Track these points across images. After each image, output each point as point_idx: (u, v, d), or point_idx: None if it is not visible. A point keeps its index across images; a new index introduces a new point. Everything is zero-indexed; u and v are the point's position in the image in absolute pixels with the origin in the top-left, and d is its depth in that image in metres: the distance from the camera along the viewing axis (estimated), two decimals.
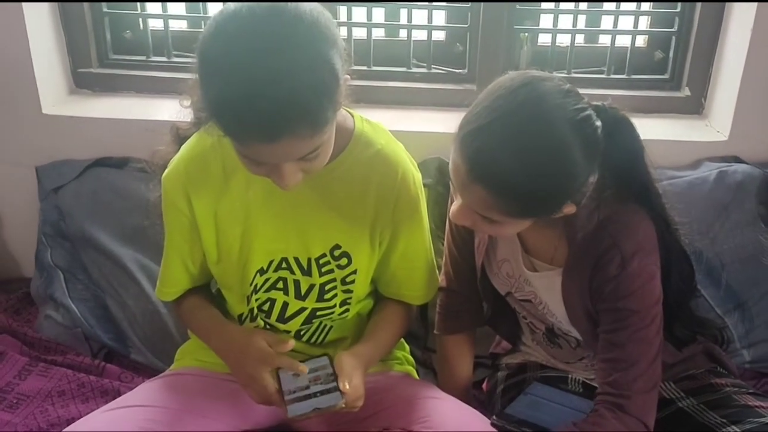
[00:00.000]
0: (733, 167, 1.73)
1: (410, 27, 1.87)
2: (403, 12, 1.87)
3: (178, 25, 1.99)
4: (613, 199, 1.15)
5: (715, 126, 1.83)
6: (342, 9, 1.86)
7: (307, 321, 1.29)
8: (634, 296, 1.13)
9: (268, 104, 0.92)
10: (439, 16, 1.91)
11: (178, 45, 1.92)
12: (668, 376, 1.31)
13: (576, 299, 1.20)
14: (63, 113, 1.83)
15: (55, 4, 1.84)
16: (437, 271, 1.38)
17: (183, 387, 1.28)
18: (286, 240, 1.23)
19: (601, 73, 1.91)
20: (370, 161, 1.21)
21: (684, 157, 1.77)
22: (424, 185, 1.33)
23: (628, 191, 1.16)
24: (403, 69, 1.92)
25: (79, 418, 1.23)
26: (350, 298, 1.29)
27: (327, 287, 1.26)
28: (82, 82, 1.94)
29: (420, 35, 1.91)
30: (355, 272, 1.26)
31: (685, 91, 1.89)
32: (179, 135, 1.27)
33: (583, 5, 1.86)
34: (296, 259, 1.24)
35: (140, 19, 1.93)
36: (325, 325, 1.32)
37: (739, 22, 1.73)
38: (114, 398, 1.32)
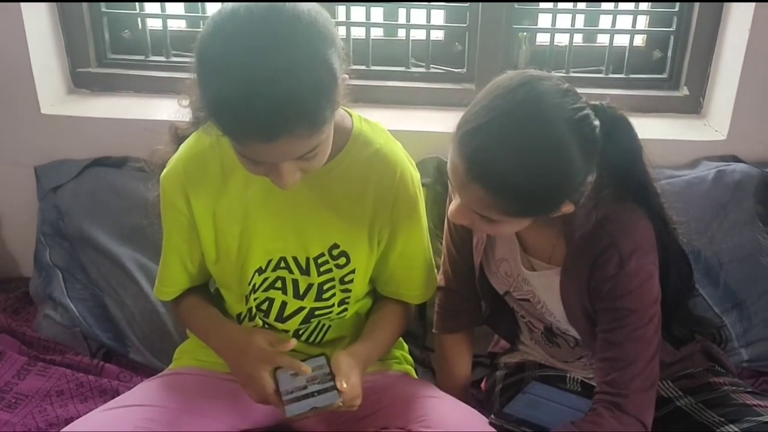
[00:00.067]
0: (731, 166, 1.73)
1: (409, 26, 1.87)
2: (402, 11, 1.88)
3: (177, 25, 1.99)
4: (611, 199, 1.16)
5: (714, 125, 1.83)
6: (341, 8, 1.86)
7: (306, 320, 1.29)
8: (632, 295, 1.13)
9: (267, 104, 0.92)
10: (438, 16, 1.91)
11: (177, 45, 1.92)
12: (666, 375, 1.31)
13: (574, 298, 1.20)
14: (62, 113, 1.83)
15: (54, 4, 1.84)
16: (435, 271, 1.38)
17: (182, 386, 1.28)
18: (284, 239, 1.23)
19: (600, 72, 1.91)
20: (369, 161, 1.21)
21: (682, 157, 1.78)
22: (423, 184, 1.33)
23: (627, 190, 1.16)
24: (402, 68, 1.92)
25: (77, 418, 1.23)
26: (348, 297, 1.29)
27: (325, 287, 1.26)
28: (80, 81, 1.94)
29: (419, 35, 1.91)
30: (353, 272, 1.26)
31: (684, 91, 1.89)
32: (178, 134, 1.27)
33: (581, 5, 1.87)
34: (295, 259, 1.24)
35: (139, 19, 1.93)
36: (324, 325, 1.32)
37: (737, 21, 1.73)
38: (113, 398, 1.32)
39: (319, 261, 1.24)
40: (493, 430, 1.20)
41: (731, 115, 1.75)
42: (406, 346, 1.48)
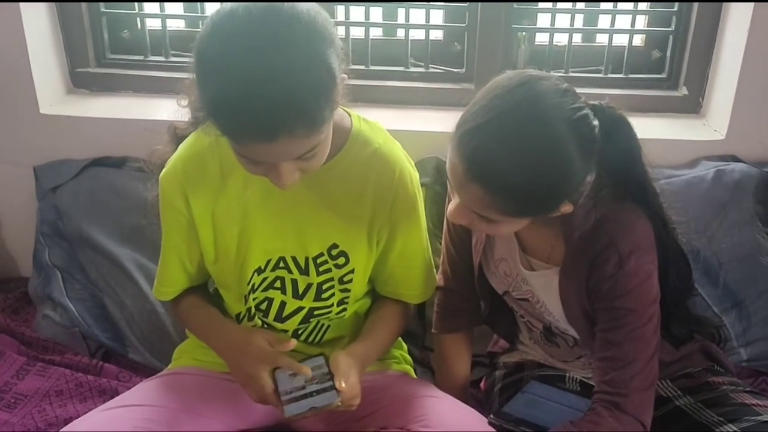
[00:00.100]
0: (730, 166, 1.73)
1: (408, 26, 1.87)
2: (401, 11, 1.87)
3: (176, 25, 1.99)
4: (610, 198, 1.16)
5: (713, 125, 1.83)
6: (340, 8, 1.86)
7: (305, 320, 1.29)
8: (631, 295, 1.13)
9: (266, 103, 0.92)
10: (437, 16, 1.91)
11: (176, 44, 1.92)
12: (665, 375, 1.31)
13: (573, 298, 1.20)
14: (61, 113, 1.83)
15: (53, 3, 1.84)
16: (435, 270, 1.38)
17: (181, 386, 1.28)
18: (283, 239, 1.23)
19: (599, 72, 1.91)
20: (368, 160, 1.21)
21: (681, 156, 1.78)
22: (422, 184, 1.33)
23: (625, 190, 1.16)
24: (401, 68, 1.92)
25: (76, 418, 1.23)
26: (348, 297, 1.29)
27: (324, 286, 1.26)
28: (79, 81, 1.93)
29: (418, 34, 1.91)
30: (352, 271, 1.26)
31: (683, 90, 1.89)
32: (177, 134, 1.27)
33: (580, 5, 1.86)
34: (294, 259, 1.24)
35: (138, 19, 1.93)
36: (323, 325, 1.32)
37: (736, 21, 1.73)
38: (112, 398, 1.32)
39: (318, 261, 1.24)
40: (492, 429, 1.20)
41: (730, 115, 1.75)
42: (405, 346, 1.48)
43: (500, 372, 1.45)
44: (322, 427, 1.28)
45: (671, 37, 1.87)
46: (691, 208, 1.64)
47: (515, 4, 1.85)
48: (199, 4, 1.90)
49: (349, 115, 1.23)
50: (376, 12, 1.90)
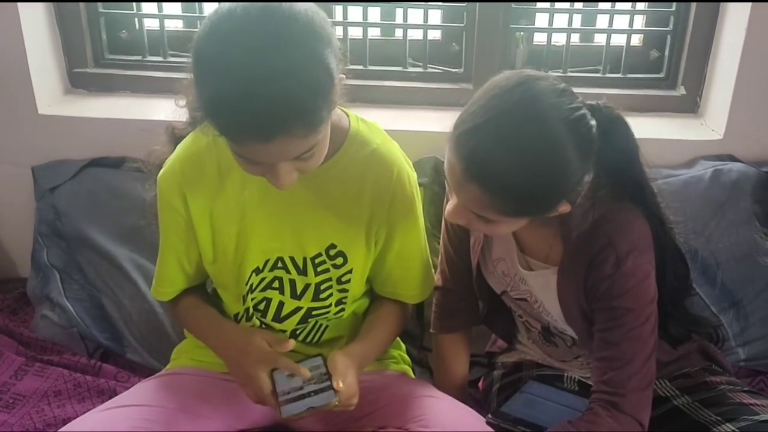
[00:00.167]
0: (728, 166, 1.73)
1: (406, 26, 1.87)
2: (399, 11, 1.87)
3: (174, 25, 1.99)
4: (607, 198, 1.16)
5: (710, 125, 1.83)
6: (338, 8, 1.86)
7: (303, 320, 1.29)
8: (629, 295, 1.13)
9: (263, 104, 0.92)
10: (435, 16, 1.91)
11: (174, 45, 1.92)
12: (663, 374, 1.31)
13: (571, 298, 1.20)
14: (59, 113, 1.83)
15: (51, 4, 1.84)
16: (433, 270, 1.38)
17: (179, 386, 1.28)
18: (281, 239, 1.23)
19: (597, 72, 1.91)
20: (366, 161, 1.21)
21: (679, 156, 1.78)
22: (420, 184, 1.33)
23: (623, 190, 1.16)
24: (399, 68, 1.92)
25: (75, 418, 1.23)
26: (346, 297, 1.29)
27: (322, 287, 1.26)
28: (77, 82, 1.93)
29: (416, 34, 1.91)
30: (350, 272, 1.26)
31: (681, 90, 1.89)
32: (175, 135, 1.27)
33: (578, 4, 1.87)
34: (292, 259, 1.24)
35: (136, 19, 1.93)
36: (321, 325, 1.32)
37: (734, 21, 1.73)
38: (110, 398, 1.32)
39: (316, 261, 1.24)
40: (491, 429, 1.20)
41: (728, 115, 1.76)
42: (403, 346, 1.48)
43: (498, 372, 1.45)
44: (320, 427, 1.28)
45: (669, 36, 1.88)
46: (689, 207, 1.64)
47: (513, 4, 1.85)
48: (197, 4, 1.90)
49: (347, 116, 1.23)
50: (374, 12, 1.90)
